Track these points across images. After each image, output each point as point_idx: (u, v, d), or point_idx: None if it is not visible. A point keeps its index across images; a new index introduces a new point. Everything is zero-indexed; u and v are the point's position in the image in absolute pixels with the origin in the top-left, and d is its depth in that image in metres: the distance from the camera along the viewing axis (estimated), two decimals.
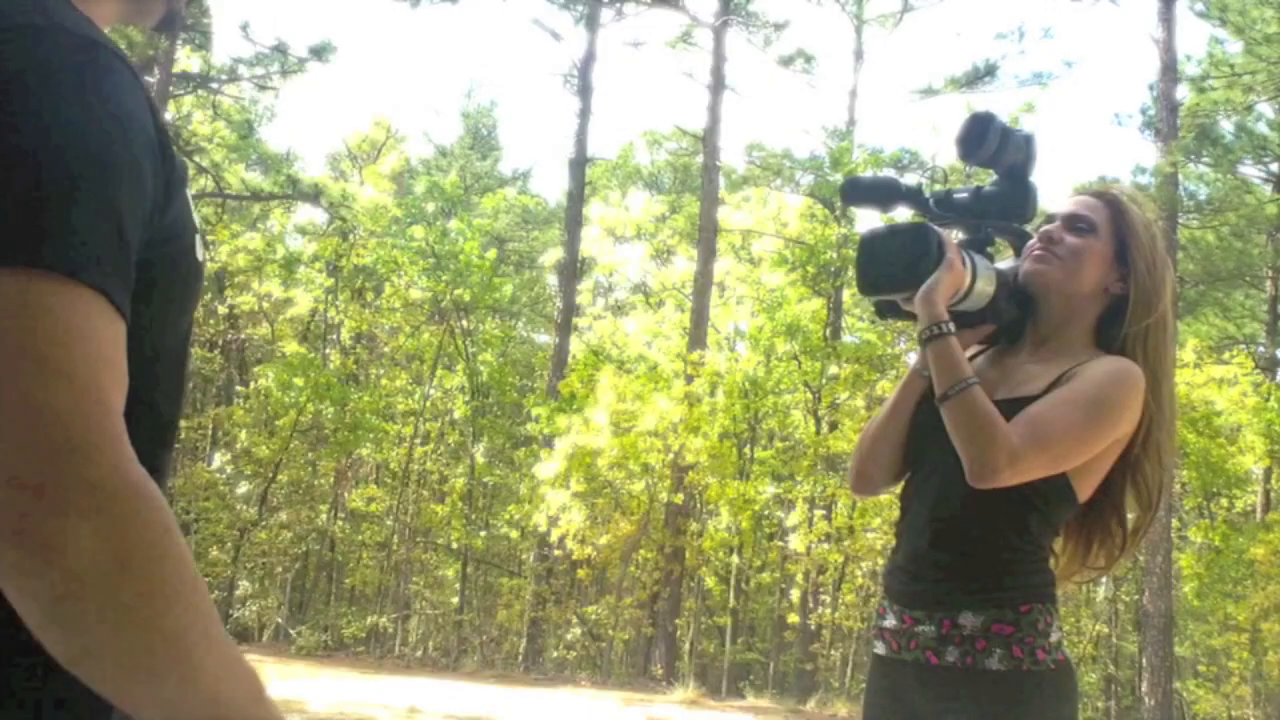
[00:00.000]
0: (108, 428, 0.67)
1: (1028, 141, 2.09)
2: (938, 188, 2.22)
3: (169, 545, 0.67)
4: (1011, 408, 1.92)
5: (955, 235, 2.11)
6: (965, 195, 2.13)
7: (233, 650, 0.72)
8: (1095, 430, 1.91)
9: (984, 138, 2.04)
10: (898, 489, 2.17)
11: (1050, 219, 2.12)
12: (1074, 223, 2.08)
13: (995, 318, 2.09)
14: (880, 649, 2.05)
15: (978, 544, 1.96)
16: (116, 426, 0.68)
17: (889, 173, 17.17)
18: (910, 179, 16.92)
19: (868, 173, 13.03)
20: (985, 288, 2.04)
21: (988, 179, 2.15)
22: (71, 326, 0.67)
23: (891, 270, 2.02)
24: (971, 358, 2.10)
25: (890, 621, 2.03)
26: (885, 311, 2.13)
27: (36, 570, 0.63)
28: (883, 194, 2.15)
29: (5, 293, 0.67)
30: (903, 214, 2.20)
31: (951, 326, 1.95)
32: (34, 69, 0.74)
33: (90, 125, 0.75)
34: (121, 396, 0.70)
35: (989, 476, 1.85)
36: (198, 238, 0.91)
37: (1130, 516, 2.08)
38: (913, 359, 2.17)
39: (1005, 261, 2.18)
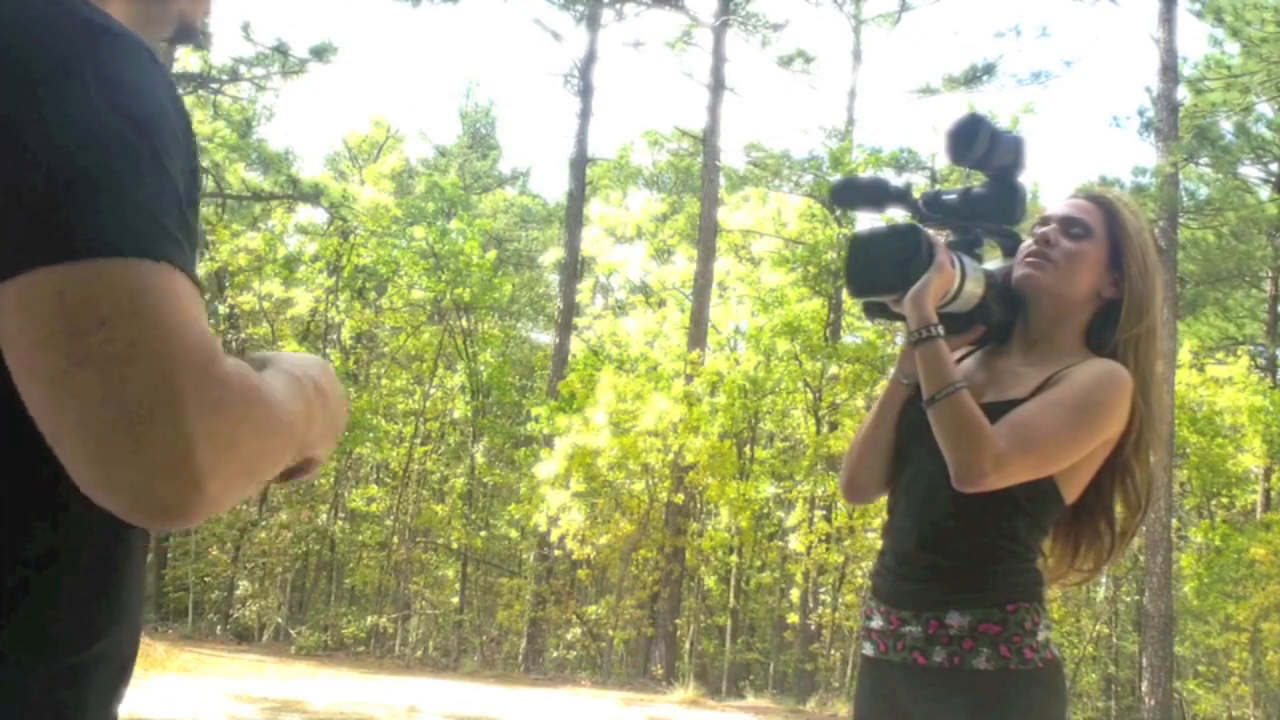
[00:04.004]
0: (210, 356, 0.76)
1: (1017, 144, 2.08)
2: (935, 188, 2.23)
3: (262, 414, 0.80)
4: (999, 410, 1.92)
5: (945, 236, 2.11)
6: (954, 197, 2.13)
7: (300, 406, 0.87)
8: (1081, 433, 1.91)
9: (974, 140, 2.03)
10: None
11: (1045, 220, 2.11)
12: (1069, 226, 2.07)
13: (984, 319, 2.09)
14: (868, 650, 2.05)
15: (964, 545, 1.96)
16: (216, 351, 0.76)
17: (888, 172, 17.18)
18: (910, 179, 16.97)
19: (867, 173, 13.03)
20: (974, 289, 2.04)
21: (979, 181, 2.15)
22: (170, 291, 0.75)
23: (881, 272, 2.02)
24: (960, 359, 2.10)
25: (877, 623, 2.03)
26: (874, 313, 2.13)
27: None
28: (872, 195, 2.15)
29: (113, 278, 0.73)
30: (898, 215, 2.20)
31: (940, 330, 1.95)
32: (72, 56, 0.78)
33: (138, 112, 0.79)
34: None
35: (974, 480, 1.85)
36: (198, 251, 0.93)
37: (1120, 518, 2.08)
38: None
39: (994, 263, 2.18)
